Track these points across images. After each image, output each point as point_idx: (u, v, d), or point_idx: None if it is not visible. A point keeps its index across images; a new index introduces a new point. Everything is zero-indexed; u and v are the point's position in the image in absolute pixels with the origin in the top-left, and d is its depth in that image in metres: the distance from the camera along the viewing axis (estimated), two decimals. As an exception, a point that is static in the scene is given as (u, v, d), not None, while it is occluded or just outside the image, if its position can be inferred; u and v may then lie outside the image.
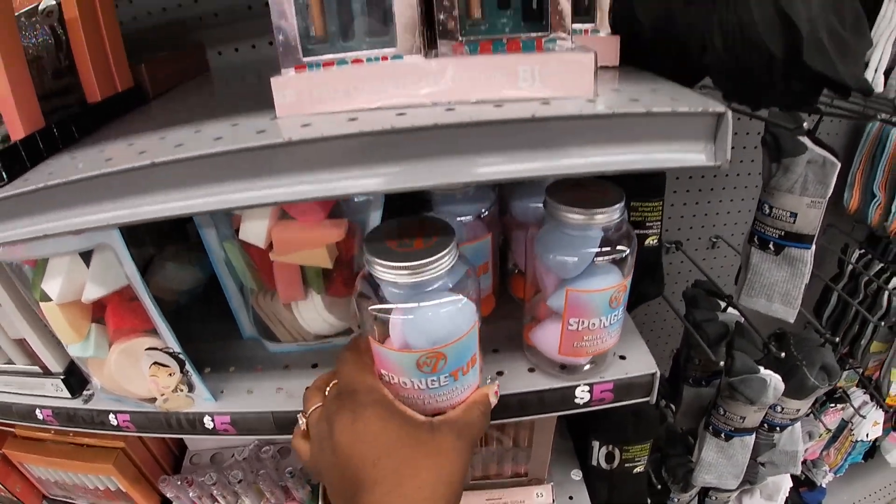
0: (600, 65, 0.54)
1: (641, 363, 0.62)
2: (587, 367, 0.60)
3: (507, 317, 0.68)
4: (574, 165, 0.42)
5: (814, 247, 0.82)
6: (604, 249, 0.52)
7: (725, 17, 0.48)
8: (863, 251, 1.24)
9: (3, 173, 0.49)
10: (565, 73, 0.42)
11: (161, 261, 0.74)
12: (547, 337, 0.58)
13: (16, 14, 0.64)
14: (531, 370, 0.63)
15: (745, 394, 0.86)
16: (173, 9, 0.88)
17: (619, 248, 0.52)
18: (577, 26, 0.54)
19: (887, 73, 0.70)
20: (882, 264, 1.22)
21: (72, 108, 0.66)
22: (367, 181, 0.42)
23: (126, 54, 0.71)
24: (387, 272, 0.46)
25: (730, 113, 0.41)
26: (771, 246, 0.80)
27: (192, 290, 0.79)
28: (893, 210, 1.15)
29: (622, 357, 0.63)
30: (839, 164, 0.77)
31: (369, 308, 0.48)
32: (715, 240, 1.21)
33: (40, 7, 0.65)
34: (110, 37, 0.69)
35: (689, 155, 0.43)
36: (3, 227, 0.49)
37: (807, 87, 0.49)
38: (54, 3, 0.65)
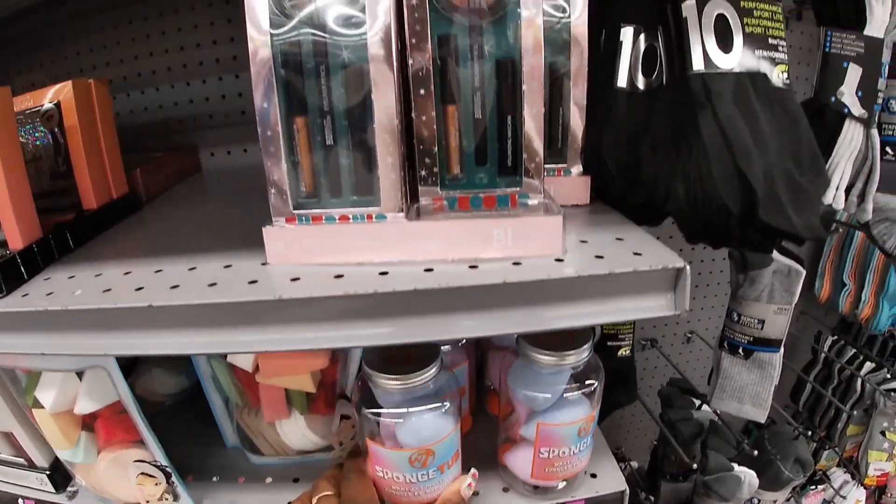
0: (571, 203, 0.59)
1: (611, 480, 0.65)
2: (560, 486, 0.63)
3: (483, 434, 0.70)
4: (546, 321, 0.46)
5: (782, 349, 0.85)
6: (573, 385, 0.56)
7: (687, 169, 0.52)
8: (835, 337, 1.29)
9: (2, 285, 0.52)
10: (536, 234, 0.46)
11: (148, 365, 0.77)
12: (519, 462, 0.61)
13: (17, 111, 0.67)
14: (505, 490, 0.65)
15: (719, 492, 0.88)
16: (169, 107, 0.93)
17: (587, 382, 0.56)
18: (549, 166, 0.59)
19: (848, 189, 0.75)
20: (854, 350, 1.26)
21: (67, 210, 0.69)
22: (351, 339, 0.45)
23: (121, 147, 0.74)
24: (382, 382, 0.53)
25: (688, 267, 0.46)
26: (740, 351, 0.84)
27: (178, 395, 0.81)
28: (863, 298, 1.20)
29: (593, 475, 0.66)
30: (804, 273, 0.82)
31: (367, 413, 0.55)
32: (690, 335, 1.25)
33: (42, 109, 0.68)
34: (108, 147, 0.72)
35: (652, 306, 0.47)
36: (2, 339, 0.52)
37: (763, 237, 0.53)
38: (53, 106, 0.68)
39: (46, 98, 0.69)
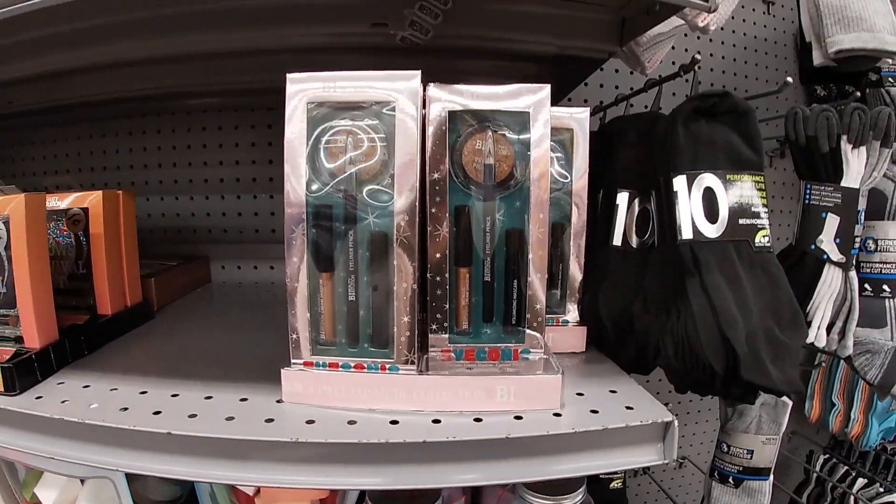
0: (568, 351, 0.65)
1: None
2: None
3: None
4: (544, 472, 0.50)
5: (771, 477, 0.90)
6: (567, 527, 0.60)
7: (676, 329, 0.58)
8: (827, 455, 1.33)
9: (17, 384, 0.57)
10: (536, 391, 0.52)
11: (145, 471, 0.80)
12: None
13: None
14: None
15: None
16: (186, 217, 1.00)
17: (581, 523, 0.61)
18: (549, 316, 0.66)
19: (830, 327, 0.81)
20: (846, 467, 1.30)
21: (80, 311, 0.74)
22: (360, 484, 0.50)
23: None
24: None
25: (676, 421, 0.51)
26: (730, 480, 0.89)
27: (170, 502, 0.83)
28: (853, 416, 1.25)
29: None
30: (791, 404, 0.87)
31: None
32: (682, 461, 1.29)
33: (70, 211, 0.74)
34: (128, 256, 0.78)
35: (643, 456, 0.52)
36: (13, 436, 0.55)
37: (745, 392, 0.59)
38: (80, 211, 0.74)
39: (75, 201, 0.75)
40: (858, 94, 0.88)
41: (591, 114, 0.70)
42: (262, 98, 0.94)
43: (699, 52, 1.12)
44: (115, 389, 0.58)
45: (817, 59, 0.85)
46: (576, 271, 0.65)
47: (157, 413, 0.53)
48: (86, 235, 0.74)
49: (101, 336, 0.73)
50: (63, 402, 0.55)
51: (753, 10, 1.21)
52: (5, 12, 0.52)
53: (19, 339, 0.62)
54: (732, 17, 1.04)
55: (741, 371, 0.55)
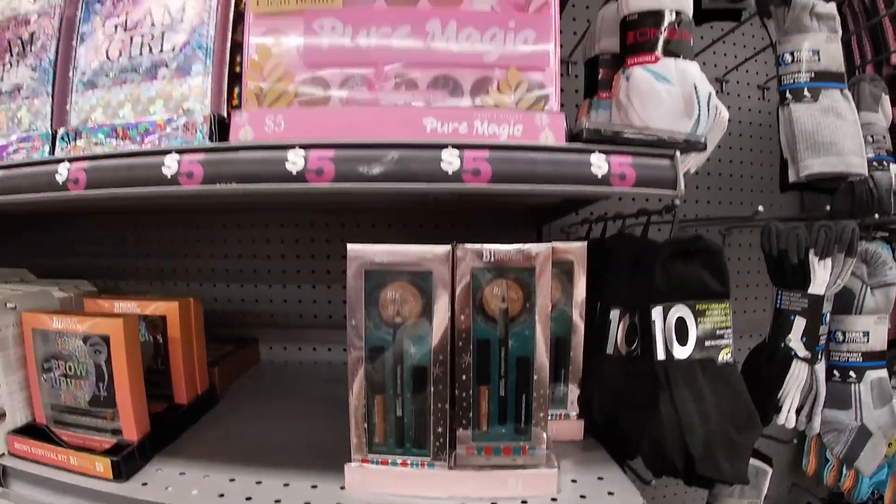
0: (568, 439, 0.87)
1: None
2: None
3: None
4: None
5: (755, 535, 1.11)
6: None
7: (650, 431, 0.79)
8: (824, 507, 1.53)
9: (123, 472, 0.78)
10: (538, 482, 0.74)
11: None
12: None
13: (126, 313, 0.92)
14: None
15: None
16: (237, 302, 1.23)
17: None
18: (553, 411, 0.87)
19: (799, 410, 1.01)
20: (842, 518, 1.50)
21: (159, 400, 0.95)
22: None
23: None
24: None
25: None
26: (716, 539, 1.10)
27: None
28: (844, 472, 1.45)
29: None
30: (770, 472, 1.08)
31: None
32: None
33: (149, 317, 0.96)
34: (198, 353, 1.00)
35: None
36: None
37: (703, 482, 0.79)
38: (159, 317, 0.96)
39: (154, 308, 0.97)
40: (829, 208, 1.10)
41: (594, 222, 0.92)
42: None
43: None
44: (208, 476, 0.80)
45: (792, 176, 1.05)
46: (576, 374, 0.87)
47: (248, 499, 0.74)
48: (164, 337, 0.96)
49: (182, 424, 0.95)
50: (166, 488, 0.77)
51: (749, 97, 1.42)
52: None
53: (116, 431, 0.82)
54: (728, 106, 1.24)
55: (696, 468, 0.76)
